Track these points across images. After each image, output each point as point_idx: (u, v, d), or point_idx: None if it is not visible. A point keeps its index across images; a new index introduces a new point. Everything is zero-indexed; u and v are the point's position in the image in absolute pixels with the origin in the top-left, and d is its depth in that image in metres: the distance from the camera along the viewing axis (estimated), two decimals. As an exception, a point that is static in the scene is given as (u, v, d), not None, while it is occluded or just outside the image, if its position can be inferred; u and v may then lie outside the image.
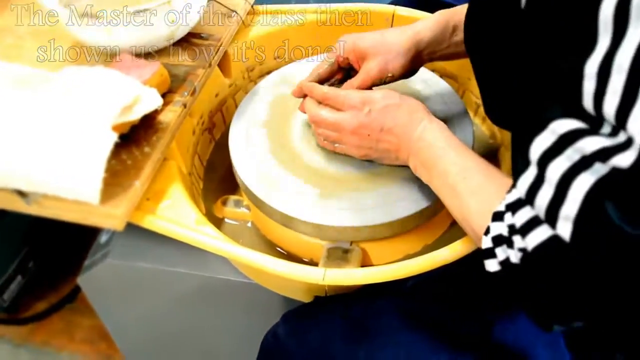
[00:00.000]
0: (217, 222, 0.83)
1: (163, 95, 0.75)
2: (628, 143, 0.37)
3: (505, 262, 0.47)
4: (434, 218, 0.74)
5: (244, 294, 0.80)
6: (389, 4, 0.96)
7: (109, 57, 0.83)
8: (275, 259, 0.64)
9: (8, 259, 1.29)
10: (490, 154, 0.88)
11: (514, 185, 0.47)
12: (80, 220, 0.66)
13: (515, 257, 0.46)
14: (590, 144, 0.39)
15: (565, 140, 0.41)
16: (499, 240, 0.48)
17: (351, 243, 0.72)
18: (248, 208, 0.82)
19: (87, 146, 0.63)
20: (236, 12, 0.89)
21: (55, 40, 0.86)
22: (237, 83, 0.95)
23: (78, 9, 0.78)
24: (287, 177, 0.74)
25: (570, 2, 0.41)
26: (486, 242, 0.49)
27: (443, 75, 0.93)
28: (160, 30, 0.79)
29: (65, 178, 0.63)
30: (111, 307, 0.94)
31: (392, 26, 0.94)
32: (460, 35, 0.73)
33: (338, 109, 0.69)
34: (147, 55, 0.82)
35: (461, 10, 0.72)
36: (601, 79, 0.38)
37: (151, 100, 0.70)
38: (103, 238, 0.88)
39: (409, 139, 0.65)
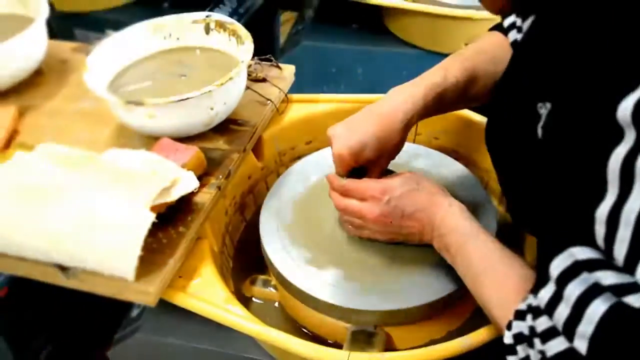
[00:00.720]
0: (246, 301, 0.85)
1: (199, 178, 0.79)
2: (638, 285, 0.40)
3: None
4: (458, 304, 0.75)
5: (269, 374, 0.81)
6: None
7: (150, 138, 0.88)
8: (300, 341, 0.65)
9: (38, 329, 1.31)
10: (514, 242, 0.89)
11: (536, 291, 0.49)
12: (115, 295, 0.69)
13: (534, 357, 0.48)
14: (605, 278, 0.43)
15: (582, 267, 0.44)
16: (520, 338, 0.50)
17: (375, 327, 0.73)
18: (275, 288, 0.84)
19: (127, 226, 0.67)
20: (271, 101, 0.95)
21: (101, 123, 0.92)
22: (269, 166, 0.99)
23: (125, 95, 0.84)
24: (314, 260, 0.77)
25: (582, 151, 0.45)
26: (508, 338, 0.52)
27: (468, 163, 0.96)
28: (201, 117, 0.84)
29: (105, 255, 0.66)
30: (139, 382, 0.95)
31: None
32: (450, 97, 0.75)
33: (361, 199, 0.71)
34: (186, 139, 0.87)
35: (447, 73, 0.75)
36: (610, 226, 0.42)
37: (188, 183, 0.74)
38: (134, 312, 0.91)
39: (431, 223, 0.67)
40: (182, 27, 0.97)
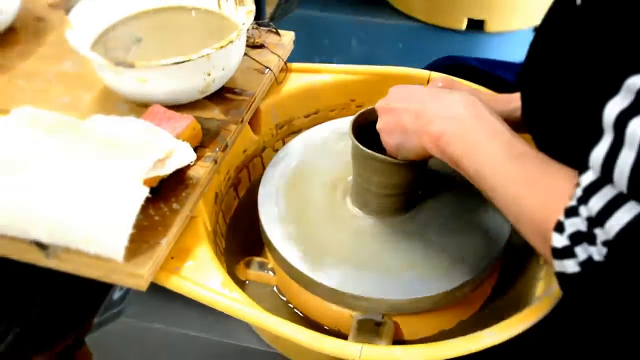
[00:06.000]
0: (239, 284, 0.79)
1: (194, 150, 0.72)
2: None
3: (587, 262, 0.42)
4: (470, 294, 0.71)
5: (267, 364, 0.76)
6: (424, 69, 0.95)
7: (139, 105, 0.80)
8: (308, 331, 0.60)
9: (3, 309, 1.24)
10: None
11: (583, 172, 0.42)
12: (102, 278, 0.63)
13: (599, 254, 0.41)
14: None
15: None
16: (578, 237, 0.43)
17: (383, 316, 0.69)
18: (273, 271, 0.78)
19: (117, 200, 0.60)
20: (269, 69, 0.88)
21: (84, 87, 0.85)
22: (266, 140, 0.93)
23: (112, 56, 0.76)
24: (320, 245, 0.72)
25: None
26: (561, 241, 0.44)
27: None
28: (196, 83, 0.77)
29: (91, 232, 0.59)
30: (120, 369, 0.89)
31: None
32: None
33: None
34: (178, 107, 0.79)
35: None
36: None
37: (184, 155, 0.68)
38: (116, 294, 0.84)
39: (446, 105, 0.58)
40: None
